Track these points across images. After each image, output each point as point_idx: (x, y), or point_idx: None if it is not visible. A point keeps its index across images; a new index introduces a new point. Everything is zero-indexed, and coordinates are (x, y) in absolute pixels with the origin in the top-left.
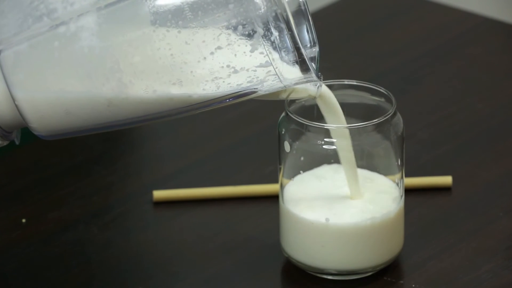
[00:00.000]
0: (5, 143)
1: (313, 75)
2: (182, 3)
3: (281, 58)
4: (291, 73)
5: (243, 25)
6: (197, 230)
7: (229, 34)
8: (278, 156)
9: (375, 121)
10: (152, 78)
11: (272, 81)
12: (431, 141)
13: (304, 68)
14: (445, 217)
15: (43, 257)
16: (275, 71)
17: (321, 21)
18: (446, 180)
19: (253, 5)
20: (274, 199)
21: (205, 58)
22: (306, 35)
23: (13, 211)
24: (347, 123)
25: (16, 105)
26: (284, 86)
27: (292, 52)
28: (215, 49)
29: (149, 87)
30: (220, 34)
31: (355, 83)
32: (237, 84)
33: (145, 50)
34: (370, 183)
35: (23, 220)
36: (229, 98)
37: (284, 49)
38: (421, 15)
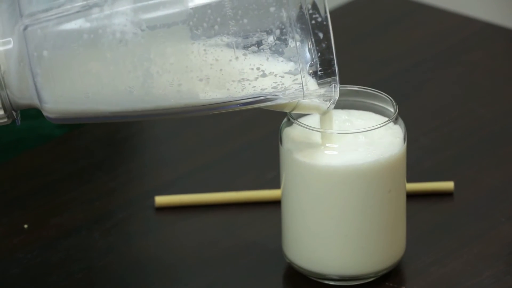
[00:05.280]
0: (9, 121)
1: (337, 90)
2: None
3: (307, 68)
4: (314, 84)
5: (281, 30)
6: (199, 236)
7: (265, 37)
8: (279, 162)
9: (377, 126)
10: (181, 71)
11: (295, 90)
12: (433, 147)
13: (330, 81)
14: (447, 222)
15: (45, 263)
16: (301, 80)
17: None
18: (448, 185)
19: (294, 11)
20: (276, 204)
21: (237, 58)
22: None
23: (15, 216)
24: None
25: (34, 82)
26: (304, 97)
27: (315, 63)
28: (249, 50)
29: (175, 80)
30: (256, 36)
31: (357, 89)
32: (261, 89)
33: (179, 43)
34: (376, 131)
35: (25, 226)
36: (245, 103)
37: (313, 60)
38: (423, 21)
